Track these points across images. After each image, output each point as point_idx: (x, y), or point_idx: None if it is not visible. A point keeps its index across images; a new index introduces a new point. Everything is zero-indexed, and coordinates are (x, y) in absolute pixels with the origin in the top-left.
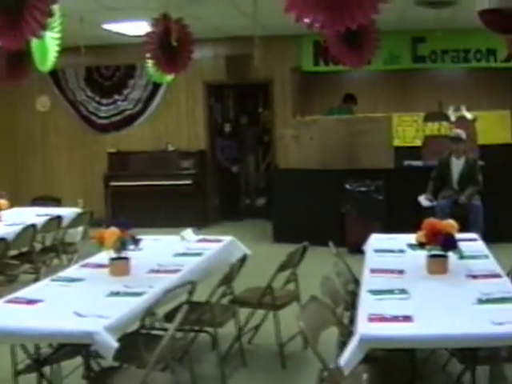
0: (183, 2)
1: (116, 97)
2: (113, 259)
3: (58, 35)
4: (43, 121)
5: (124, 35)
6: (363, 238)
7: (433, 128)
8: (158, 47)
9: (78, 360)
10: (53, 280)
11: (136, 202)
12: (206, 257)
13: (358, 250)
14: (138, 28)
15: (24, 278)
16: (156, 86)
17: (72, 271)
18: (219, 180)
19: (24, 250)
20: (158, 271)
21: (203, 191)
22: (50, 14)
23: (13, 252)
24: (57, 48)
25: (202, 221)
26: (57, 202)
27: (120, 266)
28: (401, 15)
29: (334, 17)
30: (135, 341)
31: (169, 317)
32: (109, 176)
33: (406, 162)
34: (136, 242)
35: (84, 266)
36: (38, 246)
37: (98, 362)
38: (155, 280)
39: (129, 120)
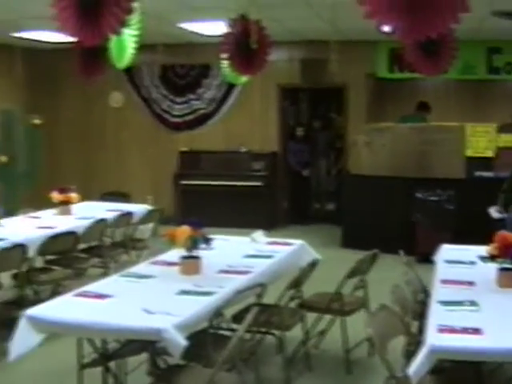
0: (261, 4)
1: (190, 96)
2: (184, 258)
3: (136, 32)
4: (116, 117)
5: (200, 34)
6: (432, 248)
7: (506, 139)
8: (235, 48)
9: (143, 356)
10: (122, 276)
11: (205, 201)
12: (276, 259)
13: (426, 259)
14: (214, 28)
15: (92, 271)
16: (230, 87)
17: (142, 268)
18: (290, 183)
19: (93, 244)
20: (227, 272)
21: (273, 193)
22: (130, 11)
23: (82, 246)
24: (134, 45)
25: (270, 223)
26: (126, 197)
27: (191, 264)
28: (477, 25)
29: (414, 25)
30: (203, 340)
31: (237, 318)
32: (180, 174)
33: (477, 173)
34: (207, 241)
35: (154, 263)
36: (107, 241)
37: (164, 359)
38: (225, 280)
39: (202, 119)
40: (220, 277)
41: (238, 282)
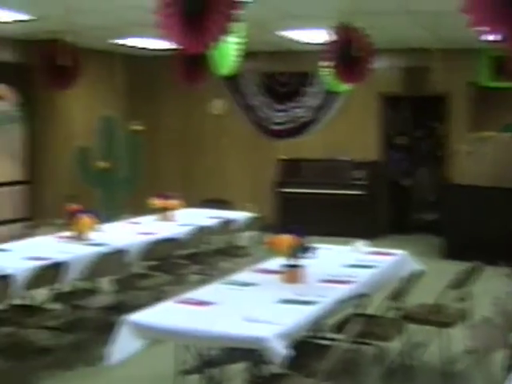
0: (362, 12)
1: (291, 104)
2: (286, 266)
3: (238, 40)
4: (217, 124)
5: (299, 42)
6: None
7: None
8: (338, 56)
9: (240, 365)
10: (224, 283)
11: (305, 209)
12: (378, 270)
13: None
14: (314, 36)
15: (192, 278)
16: (331, 95)
17: (244, 275)
18: (390, 192)
19: (194, 250)
20: (329, 281)
21: (373, 203)
22: (234, 19)
23: (183, 252)
24: (236, 53)
25: (370, 232)
26: (227, 204)
27: (293, 273)
28: None
29: None
30: (304, 349)
31: (338, 327)
32: (280, 182)
33: None
34: (310, 250)
35: (256, 271)
36: (208, 248)
37: (264, 367)
38: (326, 290)
39: (303, 128)
40: (321, 286)
41: (340, 291)
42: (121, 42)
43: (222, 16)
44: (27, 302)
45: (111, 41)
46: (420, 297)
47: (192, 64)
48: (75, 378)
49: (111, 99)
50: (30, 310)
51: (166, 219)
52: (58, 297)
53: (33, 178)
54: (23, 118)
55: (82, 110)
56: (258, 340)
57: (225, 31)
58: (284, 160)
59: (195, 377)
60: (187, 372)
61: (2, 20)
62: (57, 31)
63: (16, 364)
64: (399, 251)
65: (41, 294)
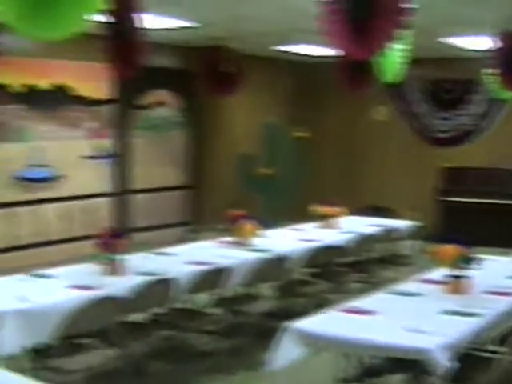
0: None
1: (455, 111)
2: (450, 277)
3: (405, 47)
4: (380, 131)
5: (463, 49)
6: None
7: None
8: (503, 63)
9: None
10: (387, 292)
11: (467, 218)
12: None
13: None
14: (478, 42)
15: (353, 286)
16: (496, 103)
17: (408, 285)
18: None
19: (356, 258)
20: (494, 293)
21: None
22: (402, 27)
23: (345, 260)
24: (402, 60)
25: None
26: (389, 212)
27: (457, 284)
28: None
29: None
30: (467, 361)
31: (501, 340)
32: (443, 190)
33: None
34: (475, 261)
35: (419, 281)
36: (369, 256)
37: (424, 379)
38: (491, 302)
39: (466, 135)
40: (486, 298)
41: (504, 304)
42: (284, 48)
43: (389, 22)
44: (188, 306)
45: (274, 47)
46: None
47: (357, 70)
48: (236, 382)
49: (274, 106)
50: (190, 313)
51: (328, 226)
52: (219, 302)
53: (194, 184)
54: (185, 123)
55: (245, 117)
56: (422, 351)
57: (392, 38)
58: (447, 168)
59: None
60: (346, 380)
61: (167, 27)
62: (220, 38)
63: (176, 367)
64: None
65: (201, 299)
